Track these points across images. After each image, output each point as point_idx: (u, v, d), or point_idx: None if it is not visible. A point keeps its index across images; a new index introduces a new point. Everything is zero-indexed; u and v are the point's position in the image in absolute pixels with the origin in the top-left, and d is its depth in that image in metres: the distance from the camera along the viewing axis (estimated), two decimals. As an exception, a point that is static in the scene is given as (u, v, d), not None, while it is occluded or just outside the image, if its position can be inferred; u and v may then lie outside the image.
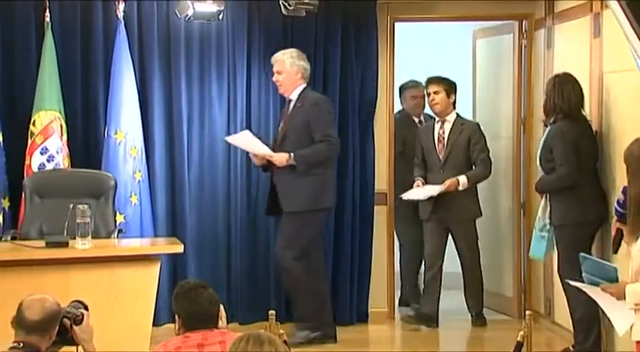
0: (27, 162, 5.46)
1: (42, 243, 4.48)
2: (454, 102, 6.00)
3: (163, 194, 5.88)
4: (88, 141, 5.80)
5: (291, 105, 5.52)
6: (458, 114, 6.01)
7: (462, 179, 5.76)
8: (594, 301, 3.62)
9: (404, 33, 6.46)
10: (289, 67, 5.45)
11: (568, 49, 5.68)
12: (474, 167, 5.88)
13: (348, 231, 6.05)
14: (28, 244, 4.52)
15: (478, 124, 6.03)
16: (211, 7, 5.47)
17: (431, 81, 6.03)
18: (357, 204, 6.08)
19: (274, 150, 5.45)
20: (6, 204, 5.46)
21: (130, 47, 5.71)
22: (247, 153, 5.70)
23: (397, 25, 6.28)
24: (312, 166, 5.36)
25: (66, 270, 4.35)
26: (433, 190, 5.78)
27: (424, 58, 7.14)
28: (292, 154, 5.33)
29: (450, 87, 5.96)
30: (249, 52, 6.01)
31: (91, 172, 5.35)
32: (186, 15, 5.52)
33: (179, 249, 4.74)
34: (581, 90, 5.03)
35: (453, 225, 5.94)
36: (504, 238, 6.36)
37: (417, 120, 6.40)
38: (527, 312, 4.06)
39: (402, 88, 6.45)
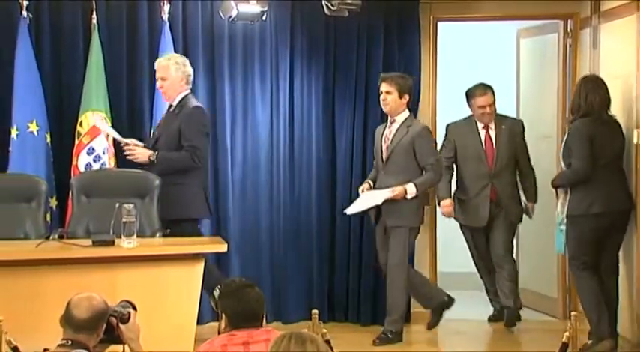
0: (74, 162, 5.54)
1: (89, 242, 4.52)
2: (408, 102, 5.58)
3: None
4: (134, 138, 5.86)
5: (170, 109, 5.35)
6: (410, 115, 5.60)
7: (410, 187, 5.40)
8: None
9: (447, 32, 6.41)
10: (174, 74, 5.26)
11: (614, 49, 5.60)
12: (424, 172, 5.50)
13: (391, 231, 6.04)
14: (76, 243, 4.56)
15: (425, 128, 5.61)
16: (255, 8, 5.50)
17: (384, 79, 5.57)
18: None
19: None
20: (54, 203, 5.54)
21: (174, 48, 5.75)
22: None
23: (440, 24, 6.25)
24: (170, 171, 5.19)
25: (112, 269, 4.39)
26: (377, 199, 5.45)
27: (468, 57, 7.10)
28: (156, 153, 5.20)
29: (404, 86, 5.53)
30: (291, 52, 6.02)
31: (136, 172, 5.39)
32: (230, 16, 5.55)
33: (222, 248, 4.75)
34: (606, 92, 5.14)
35: (389, 230, 5.55)
36: (548, 239, 6.28)
37: (481, 126, 5.94)
38: (573, 313, 4.00)
39: (467, 94, 6.00)
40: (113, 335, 3.14)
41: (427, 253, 6.23)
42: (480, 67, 6.81)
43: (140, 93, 5.87)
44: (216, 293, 3.44)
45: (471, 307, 5.94)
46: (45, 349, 2.90)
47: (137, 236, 4.50)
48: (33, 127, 5.50)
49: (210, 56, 5.94)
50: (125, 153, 5.30)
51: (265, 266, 5.99)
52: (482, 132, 5.95)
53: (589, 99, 5.12)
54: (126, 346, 3.20)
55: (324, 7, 5.41)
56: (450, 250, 6.43)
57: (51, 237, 4.76)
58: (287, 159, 6.03)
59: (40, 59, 5.66)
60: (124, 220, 4.43)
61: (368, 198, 5.52)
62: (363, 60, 6.04)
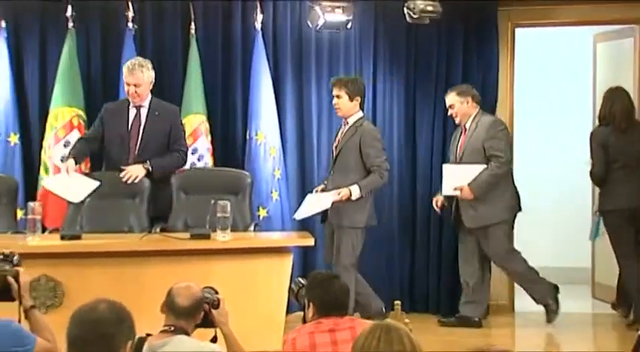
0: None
1: (187, 235, 4.62)
2: (361, 104, 5.34)
3: (295, 191, 5.97)
4: (227, 141, 5.98)
5: (143, 113, 5.16)
6: (363, 117, 5.35)
7: (354, 188, 5.16)
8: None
9: (523, 36, 6.32)
10: (146, 79, 5.10)
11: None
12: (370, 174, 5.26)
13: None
14: (175, 236, 4.67)
15: (373, 129, 5.37)
16: (340, 17, 5.54)
17: (333, 84, 5.38)
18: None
19: (129, 162, 5.08)
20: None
21: (266, 55, 5.84)
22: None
23: (517, 29, 6.16)
24: (166, 174, 5.15)
25: (208, 260, 4.47)
26: (325, 202, 5.21)
27: (544, 62, 6.98)
28: (148, 161, 5.05)
29: (353, 89, 5.28)
30: (375, 58, 6.04)
31: (230, 171, 5.48)
32: (317, 25, 5.61)
33: (310, 242, 4.79)
34: (628, 102, 5.47)
35: (335, 230, 5.32)
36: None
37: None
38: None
39: None
40: (206, 320, 3.21)
41: (519, 249, 6.13)
42: (557, 72, 6.68)
43: (233, 96, 5.99)
44: (294, 286, 3.48)
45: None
46: (147, 334, 2.96)
47: (230, 230, 4.58)
48: (136, 129, 5.65)
49: (297, 62, 6.01)
50: (125, 180, 5.02)
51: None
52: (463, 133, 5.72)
53: (613, 109, 5.42)
54: (217, 329, 3.27)
55: (406, 15, 5.41)
56: (539, 245, 6.33)
57: (153, 231, 4.89)
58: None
59: (144, 66, 5.82)
60: (219, 215, 4.51)
61: (315, 202, 5.27)
62: (442, 65, 6.01)
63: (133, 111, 5.16)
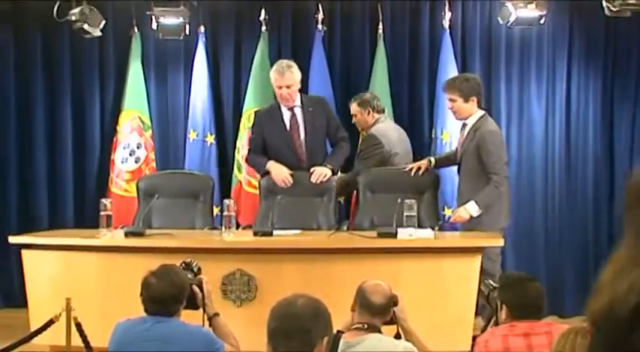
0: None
1: (374, 234, 4.62)
2: (479, 103, 4.83)
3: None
4: (413, 140, 5.91)
5: (298, 112, 5.10)
6: (482, 117, 4.84)
7: (471, 207, 4.75)
8: None
9: None
10: (297, 79, 5.05)
11: None
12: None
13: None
14: (362, 234, 4.69)
15: (489, 131, 4.78)
16: (533, 13, 5.36)
17: (444, 88, 5.00)
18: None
19: (300, 164, 5.08)
20: (341, 198, 5.74)
21: (454, 53, 5.75)
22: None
23: None
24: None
25: (395, 259, 4.44)
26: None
27: None
28: (327, 165, 5.03)
29: (467, 90, 4.81)
30: (569, 55, 5.82)
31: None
32: (508, 21, 5.45)
33: (500, 242, 4.64)
34: None
35: None
36: None
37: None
38: None
39: None
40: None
41: None
42: None
43: (420, 96, 5.96)
44: (484, 288, 3.37)
45: None
46: (338, 331, 2.97)
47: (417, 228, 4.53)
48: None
49: (487, 60, 5.91)
50: (315, 181, 5.08)
51: (541, 261, 5.82)
52: None
53: None
54: (399, 326, 3.23)
55: (605, 8, 5.13)
56: None
57: (340, 229, 4.93)
58: (563, 156, 5.86)
59: (332, 66, 5.91)
60: (406, 214, 4.48)
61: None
62: (645, 58, 5.69)
63: (287, 114, 5.13)
